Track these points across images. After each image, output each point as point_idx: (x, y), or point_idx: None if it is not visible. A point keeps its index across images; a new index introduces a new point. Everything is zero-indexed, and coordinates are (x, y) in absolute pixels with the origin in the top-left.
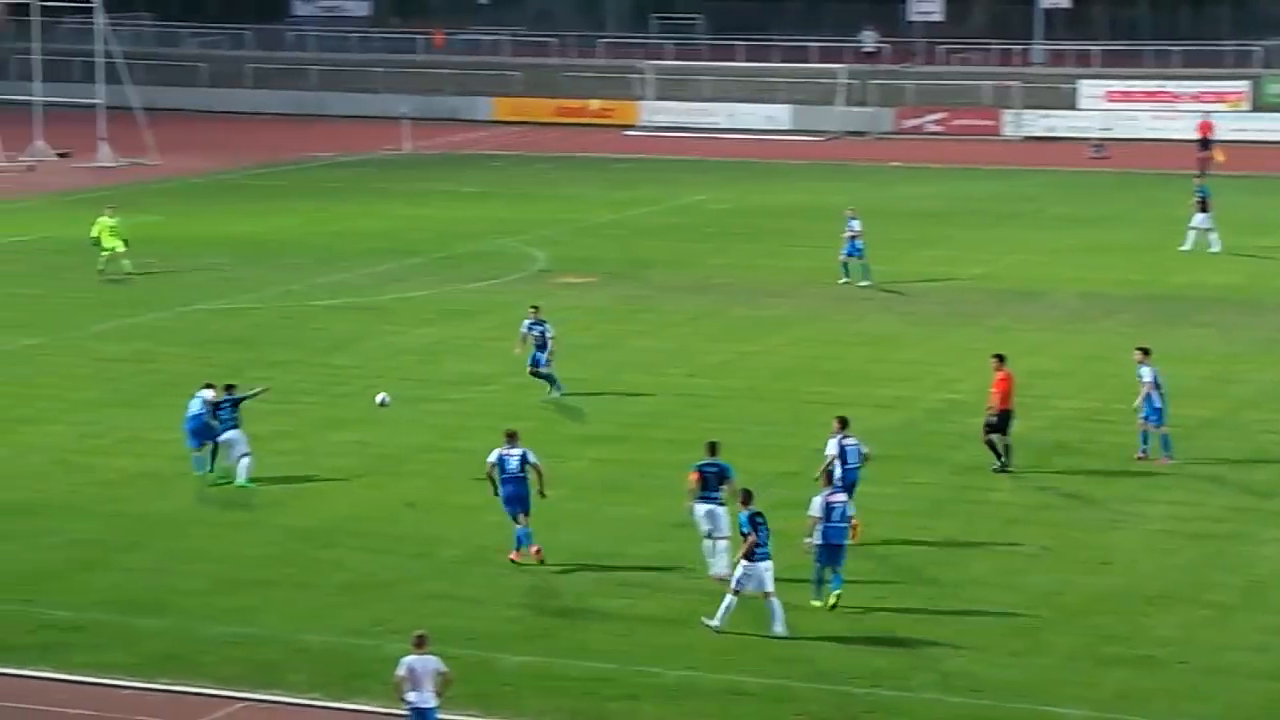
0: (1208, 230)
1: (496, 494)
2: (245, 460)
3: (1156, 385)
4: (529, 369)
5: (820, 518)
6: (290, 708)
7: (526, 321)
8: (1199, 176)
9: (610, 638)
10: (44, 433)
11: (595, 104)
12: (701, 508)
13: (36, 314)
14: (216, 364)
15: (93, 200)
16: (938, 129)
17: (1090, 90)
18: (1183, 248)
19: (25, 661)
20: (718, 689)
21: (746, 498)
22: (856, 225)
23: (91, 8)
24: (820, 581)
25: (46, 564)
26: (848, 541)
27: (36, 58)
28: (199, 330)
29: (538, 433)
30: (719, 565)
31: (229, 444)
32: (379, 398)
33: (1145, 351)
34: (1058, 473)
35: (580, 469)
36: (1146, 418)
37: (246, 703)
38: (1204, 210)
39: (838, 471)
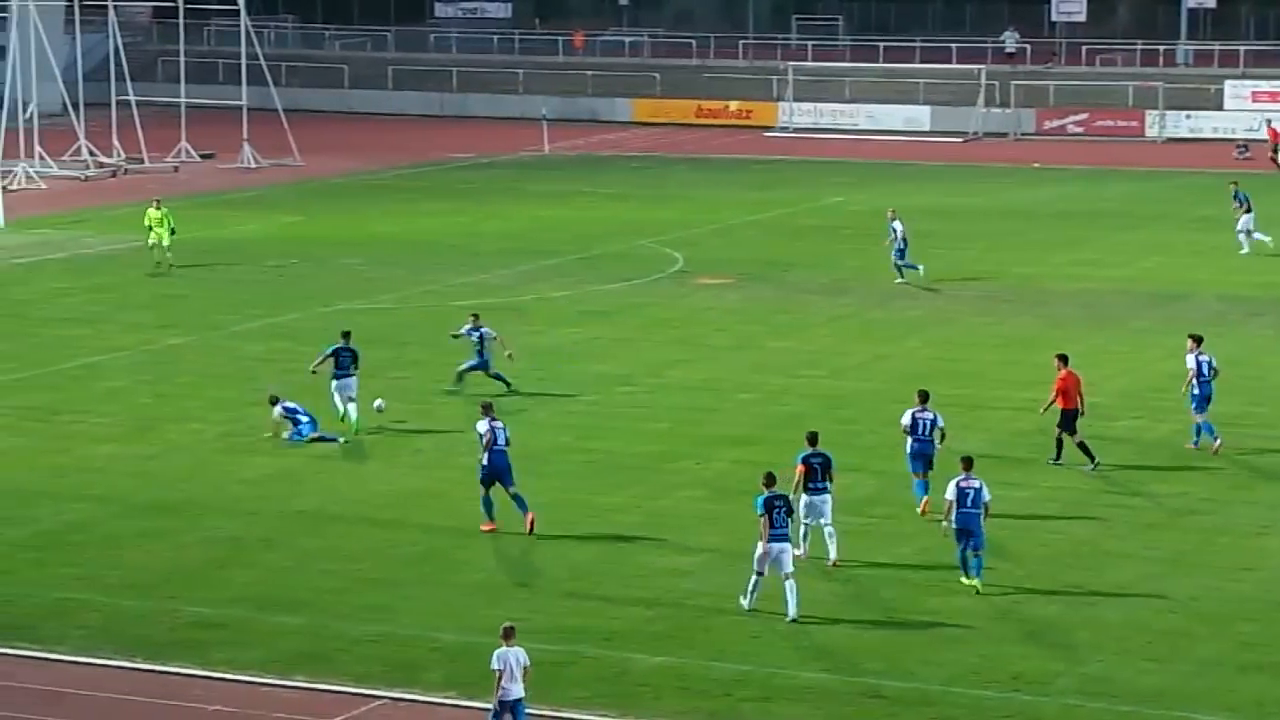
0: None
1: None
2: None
3: (1201, 373)
4: (483, 373)
5: (953, 501)
6: (426, 706)
7: (465, 327)
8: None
9: (745, 639)
10: (186, 431)
11: (734, 105)
12: (806, 499)
13: (180, 313)
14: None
15: (235, 201)
16: (1079, 130)
17: (1235, 91)
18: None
19: (166, 658)
20: (853, 691)
21: (770, 480)
22: (899, 228)
23: (236, 10)
24: (965, 562)
25: (187, 562)
26: (983, 525)
27: (182, 60)
28: (338, 330)
29: (675, 434)
30: (831, 550)
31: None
32: (375, 404)
33: (1197, 340)
34: (1199, 473)
35: (720, 470)
36: (1195, 408)
37: (383, 700)
38: (1248, 211)
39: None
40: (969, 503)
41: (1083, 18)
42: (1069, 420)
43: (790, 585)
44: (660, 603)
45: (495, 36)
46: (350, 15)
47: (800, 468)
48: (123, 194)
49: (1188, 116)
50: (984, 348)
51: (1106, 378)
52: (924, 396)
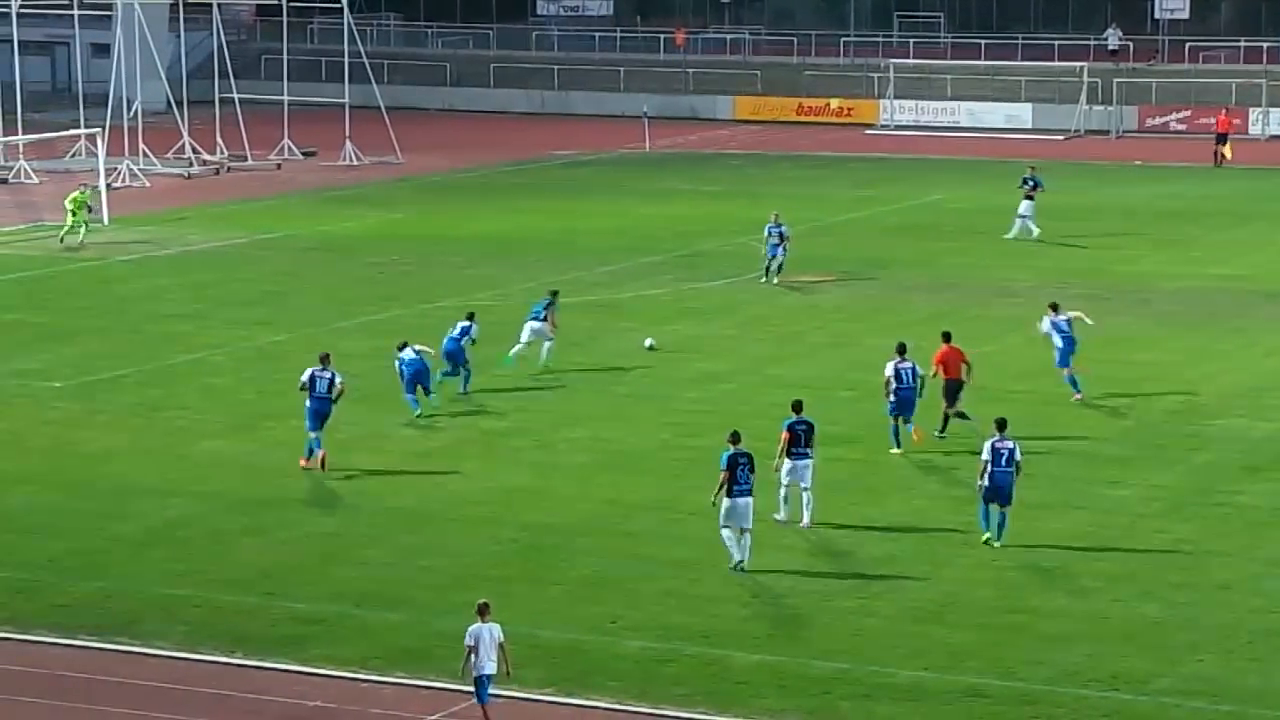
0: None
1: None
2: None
3: (1059, 332)
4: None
5: (989, 461)
6: (525, 703)
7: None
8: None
9: (843, 637)
10: (285, 428)
11: (835, 103)
12: (789, 463)
13: (282, 310)
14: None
15: (337, 199)
16: (1182, 128)
17: None
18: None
19: (266, 654)
20: (954, 690)
21: (735, 438)
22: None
23: (340, 8)
24: (988, 516)
25: (287, 558)
26: (1014, 483)
27: (285, 58)
28: (438, 326)
29: (774, 432)
30: (805, 515)
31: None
32: (646, 342)
33: (1054, 307)
34: None
35: (818, 468)
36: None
37: None
38: (1029, 198)
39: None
40: (1003, 462)
41: (1185, 14)
42: (951, 392)
43: (747, 539)
44: (760, 600)
45: (597, 34)
46: (453, 13)
47: (785, 434)
48: (226, 192)
49: None
50: (1086, 346)
51: (1209, 376)
52: (902, 349)
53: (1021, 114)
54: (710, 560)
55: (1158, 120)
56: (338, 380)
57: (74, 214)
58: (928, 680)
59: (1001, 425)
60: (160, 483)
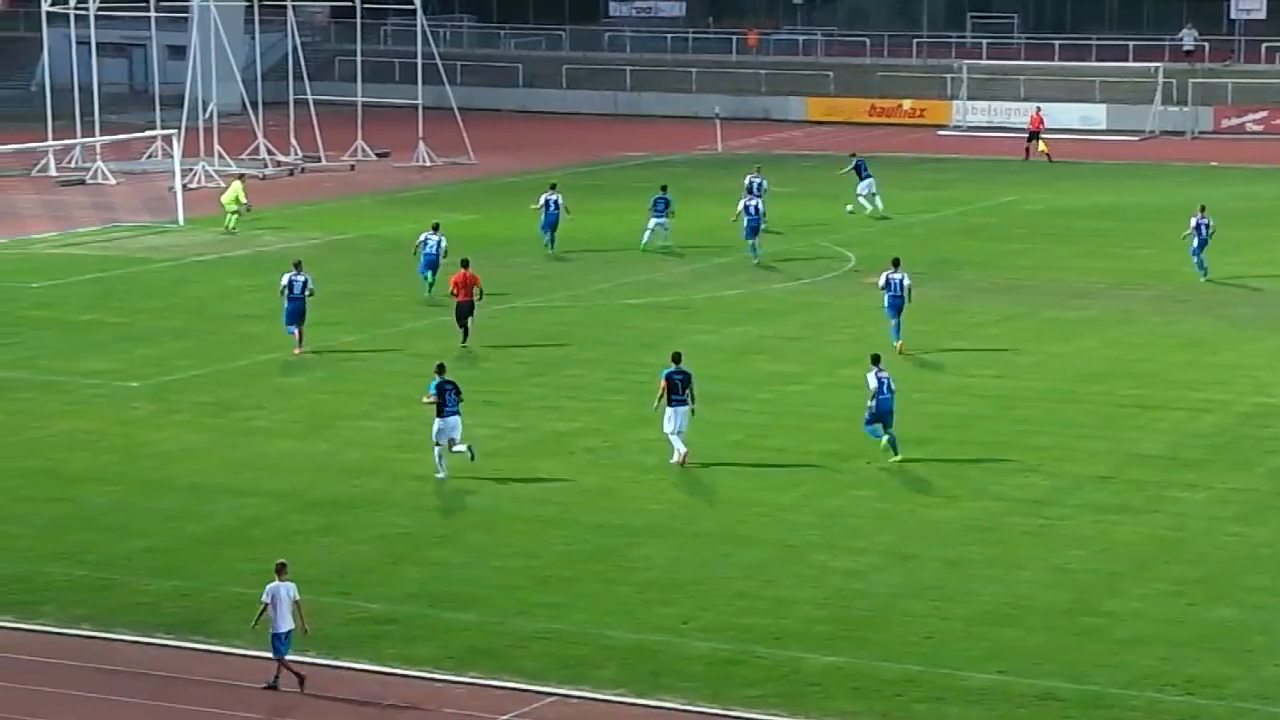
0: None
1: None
2: None
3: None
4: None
5: (875, 389)
6: (597, 703)
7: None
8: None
9: (916, 639)
10: (360, 428)
11: (908, 104)
12: (669, 410)
13: (354, 311)
14: (525, 361)
15: (410, 200)
16: (1259, 129)
17: None
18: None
19: (339, 653)
20: (1028, 694)
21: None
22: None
23: (413, 10)
24: (876, 433)
25: (361, 557)
26: (893, 407)
27: (359, 59)
28: (510, 328)
29: (845, 433)
30: (677, 451)
31: None
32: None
33: (875, 359)
34: None
35: (890, 470)
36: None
37: (554, 697)
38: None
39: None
40: (885, 389)
41: (1262, 15)
42: (463, 311)
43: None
44: (832, 602)
45: (669, 35)
46: (525, 14)
47: (663, 383)
48: (300, 193)
49: None
50: (1161, 348)
51: None
52: (896, 262)
53: (1096, 115)
54: (782, 561)
55: (1233, 121)
56: (310, 283)
57: (234, 202)
58: (1000, 683)
59: (876, 359)
60: (234, 482)
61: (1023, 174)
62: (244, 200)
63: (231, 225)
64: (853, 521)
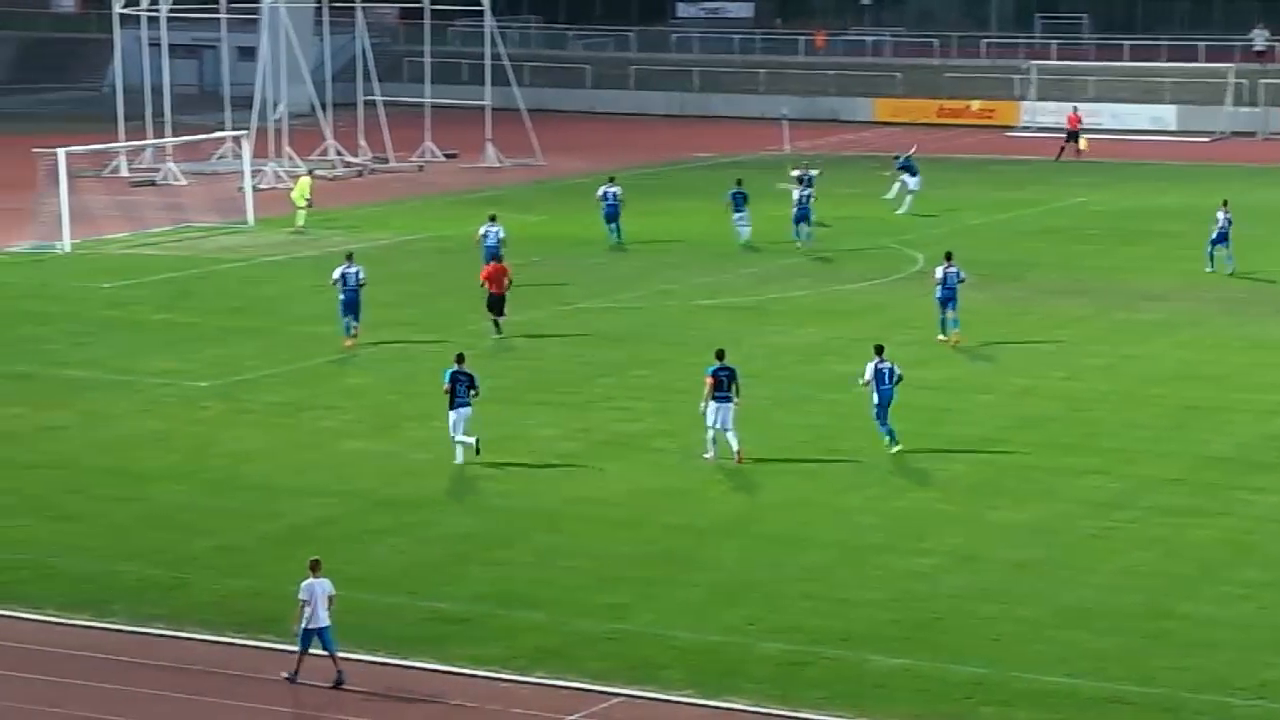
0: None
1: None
2: None
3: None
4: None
5: (872, 380)
6: (664, 704)
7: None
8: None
9: (983, 641)
10: (428, 429)
11: (976, 104)
12: (713, 405)
13: (424, 311)
14: (591, 362)
15: (478, 200)
16: None
17: None
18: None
19: (406, 652)
20: (1097, 697)
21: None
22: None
23: (481, 11)
24: (881, 427)
25: (429, 557)
26: (894, 397)
27: (427, 60)
28: (578, 329)
29: (913, 435)
30: (734, 444)
31: None
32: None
33: (878, 349)
34: None
35: (958, 472)
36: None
37: (621, 698)
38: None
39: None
40: (886, 380)
41: None
42: (495, 303)
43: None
44: (898, 604)
45: (737, 36)
46: (593, 15)
47: (709, 379)
48: (368, 194)
49: None
50: (1231, 350)
51: None
52: (949, 255)
53: (1166, 116)
54: (849, 563)
55: None
56: (362, 274)
57: (302, 198)
58: (1068, 687)
59: (879, 350)
60: (304, 482)
61: (1091, 175)
62: (309, 196)
63: (302, 222)
64: (919, 523)
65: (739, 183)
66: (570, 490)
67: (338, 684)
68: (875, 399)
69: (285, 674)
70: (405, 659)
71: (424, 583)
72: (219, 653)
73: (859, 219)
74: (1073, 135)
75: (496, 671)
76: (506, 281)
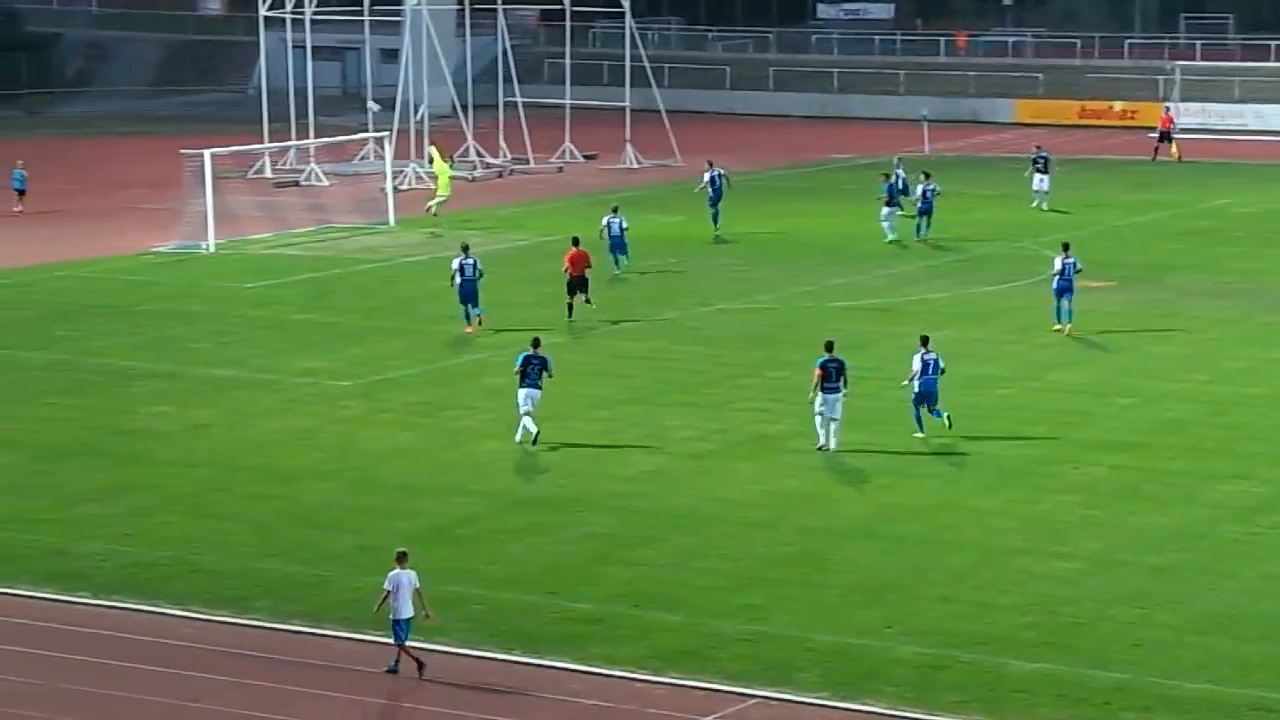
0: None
1: (454, 287)
2: None
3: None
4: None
5: (918, 370)
6: (801, 706)
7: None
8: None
9: (1124, 647)
10: (566, 429)
11: (1119, 106)
12: (821, 396)
13: (562, 313)
14: (729, 363)
15: (617, 202)
16: None
17: None
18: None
19: (544, 652)
20: (1240, 704)
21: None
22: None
23: (622, 13)
24: (920, 419)
25: (567, 557)
26: (938, 387)
27: (567, 62)
28: (715, 329)
29: (1053, 438)
30: (832, 442)
31: None
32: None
33: (924, 340)
34: None
35: (1097, 475)
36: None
37: (757, 699)
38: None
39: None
40: (930, 370)
41: None
42: (577, 284)
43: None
44: (1038, 608)
45: (877, 37)
46: (733, 17)
47: (817, 371)
48: (509, 194)
49: None
50: None
51: None
52: (1066, 246)
53: None
54: (987, 566)
55: None
56: (479, 264)
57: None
58: (1210, 693)
59: (925, 340)
60: (442, 481)
61: (1236, 177)
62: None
63: (437, 208)
64: (1058, 527)
65: (885, 177)
66: (707, 491)
67: (391, 670)
68: (916, 387)
69: (386, 667)
70: (542, 658)
71: (562, 582)
72: (357, 650)
73: (997, 222)
74: (1165, 136)
75: (632, 672)
76: (587, 267)
